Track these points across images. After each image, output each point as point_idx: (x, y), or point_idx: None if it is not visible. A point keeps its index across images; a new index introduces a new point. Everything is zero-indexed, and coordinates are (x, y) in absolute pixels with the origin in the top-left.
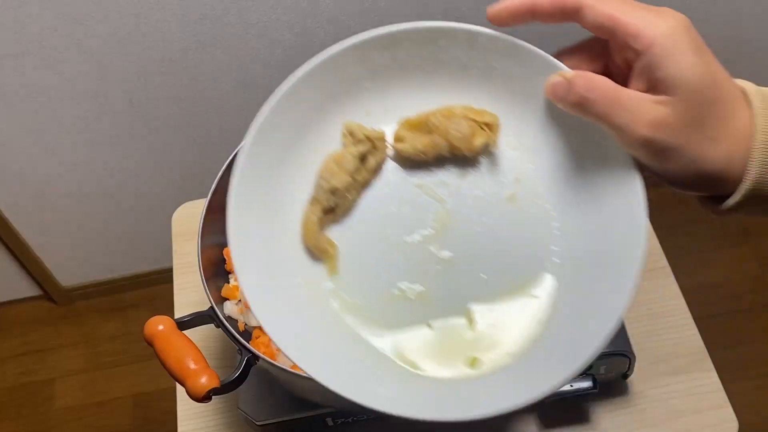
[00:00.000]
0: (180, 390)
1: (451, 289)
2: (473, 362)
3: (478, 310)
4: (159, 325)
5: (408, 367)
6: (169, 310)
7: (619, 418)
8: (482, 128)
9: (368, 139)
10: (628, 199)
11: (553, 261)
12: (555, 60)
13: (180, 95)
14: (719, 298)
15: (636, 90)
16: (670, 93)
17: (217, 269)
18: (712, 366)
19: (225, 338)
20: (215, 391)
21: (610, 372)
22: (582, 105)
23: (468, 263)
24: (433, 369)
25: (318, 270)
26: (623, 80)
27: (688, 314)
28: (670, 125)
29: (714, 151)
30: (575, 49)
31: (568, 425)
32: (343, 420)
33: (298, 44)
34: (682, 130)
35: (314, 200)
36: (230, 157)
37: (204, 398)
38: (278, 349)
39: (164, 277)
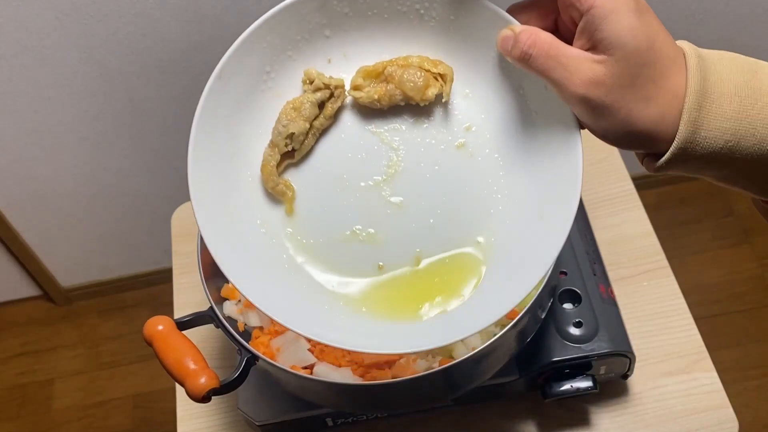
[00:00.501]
0: (179, 390)
1: (400, 233)
2: (417, 308)
3: (425, 254)
4: (158, 326)
5: (353, 308)
6: (168, 310)
7: (619, 418)
8: (436, 78)
9: (327, 86)
10: (569, 152)
11: (497, 208)
12: (507, 14)
13: (180, 95)
14: (719, 299)
15: (578, 48)
16: (607, 53)
17: (216, 269)
18: (712, 366)
19: (224, 338)
20: (215, 392)
21: (610, 372)
22: (524, 59)
23: (417, 208)
24: (377, 311)
25: (276, 213)
26: (570, 38)
27: (689, 314)
28: (604, 84)
29: (647, 111)
30: (528, 5)
31: (569, 425)
32: (342, 420)
33: None
34: (616, 90)
35: (273, 144)
36: None
37: (203, 398)
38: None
39: (164, 278)
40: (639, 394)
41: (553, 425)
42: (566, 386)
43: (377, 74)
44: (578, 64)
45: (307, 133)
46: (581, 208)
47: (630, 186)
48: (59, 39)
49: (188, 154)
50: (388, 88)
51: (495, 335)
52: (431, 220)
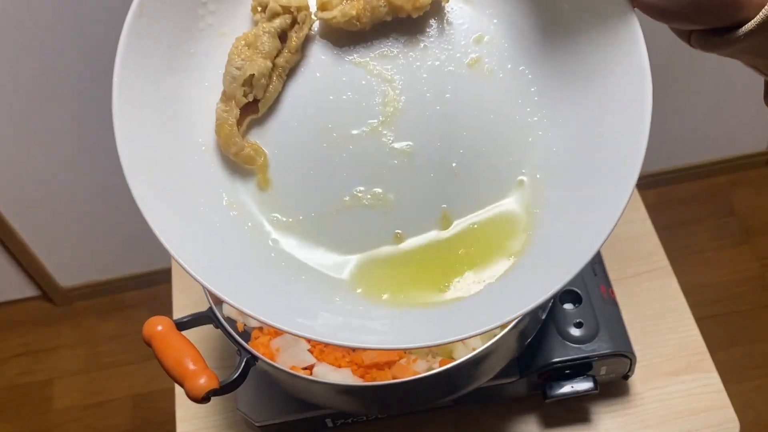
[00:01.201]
0: (179, 391)
1: (416, 187)
2: (445, 287)
3: (455, 211)
4: (158, 326)
5: (371, 296)
6: (168, 310)
7: (620, 418)
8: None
9: (287, 10)
10: (622, 38)
11: (537, 134)
12: None
13: None
14: (720, 299)
15: None
16: None
17: None
18: (713, 366)
19: (224, 339)
20: (214, 392)
21: (611, 373)
22: None
23: (432, 152)
24: (401, 296)
25: (246, 188)
26: None
27: (689, 314)
28: None
29: None
30: None
31: (569, 426)
32: (342, 421)
33: None
34: None
35: (226, 97)
36: None
37: (203, 399)
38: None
39: (163, 278)
40: (640, 395)
41: (554, 426)
42: (567, 387)
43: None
44: None
45: (270, 75)
46: None
47: None
48: (58, 39)
49: (114, 129)
50: (372, 3)
51: (495, 336)
52: (453, 164)
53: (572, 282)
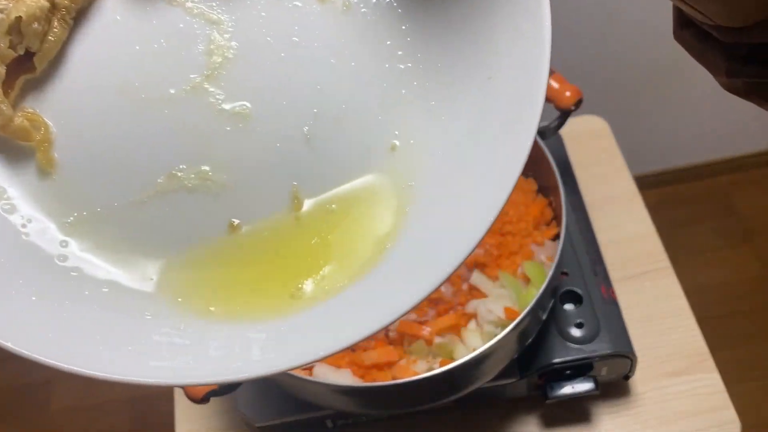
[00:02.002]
0: (178, 392)
1: (256, 161)
2: (297, 289)
3: (308, 190)
4: None
5: (194, 310)
6: None
7: (621, 419)
8: None
9: None
10: None
11: (411, 85)
12: None
13: None
14: (721, 299)
15: None
16: None
17: None
18: (714, 367)
19: None
20: (214, 393)
21: (612, 373)
22: None
23: (276, 115)
24: (236, 305)
25: (21, 172)
26: None
27: (690, 315)
28: None
29: None
30: None
31: (570, 427)
32: (343, 422)
33: None
34: None
35: None
36: None
37: (202, 400)
38: None
39: None
40: (641, 395)
41: (554, 426)
42: (567, 387)
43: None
44: None
45: (48, 19)
46: (582, 208)
47: (631, 186)
48: None
49: None
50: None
51: (496, 336)
52: (305, 128)
53: (573, 282)
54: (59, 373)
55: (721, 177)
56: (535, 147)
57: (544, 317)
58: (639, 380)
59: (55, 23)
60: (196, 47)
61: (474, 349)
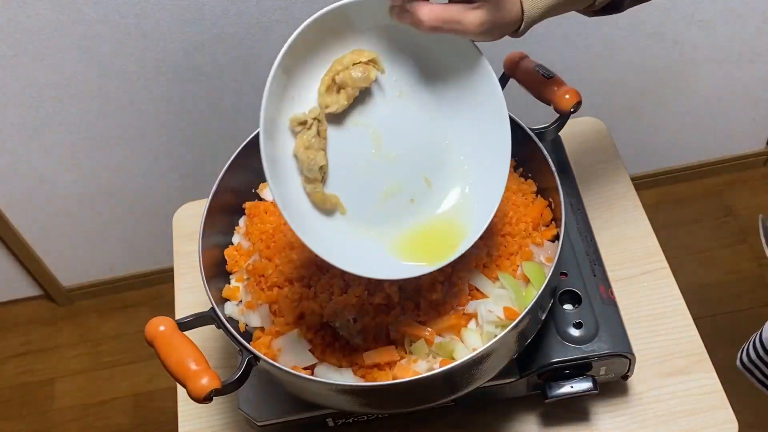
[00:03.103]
0: (181, 390)
1: (409, 172)
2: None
3: (430, 179)
4: (160, 326)
5: (395, 255)
6: (169, 309)
7: (619, 418)
8: (367, 64)
9: (313, 119)
10: (482, 76)
11: (450, 142)
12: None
13: (180, 95)
14: (719, 299)
15: (459, 4)
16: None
17: (218, 270)
18: (711, 367)
19: (226, 339)
20: (216, 392)
21: (611, 373)
22: (435, 29)
23: (406, 154)
24: (412, 256)
25: (329, 216)
26: None
27: (688, 315)
28: (490, 20)
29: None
30: None
31: (569, 426)
32: (343, 421)
33: None
34: (497, 15)
35: (311, 180)
36: (231, 158)
37: (205, 399)
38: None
39: (165, 277)
40: (639, 395)
41: (554, 426)
42: (566, 387)
43: (330, 87)
44: (467, 16)
45: (324, 156)
46: (581, 209)
47: (629, 187)
48: (59, 39)
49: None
50: (347, 91)
51: (496, 336)
52: (420, 163)
53: (572, 283)
54: (62, 371)
55: (718, 177)
56: (535, 149)
57: (543, 317)
58: (637, 380)
59: (325, 155)
60: (368, 136)
61: (474, 349)
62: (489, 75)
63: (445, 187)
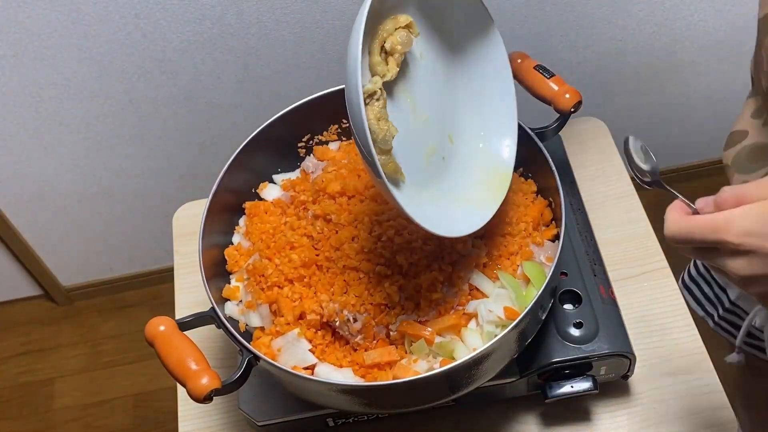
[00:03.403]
0: (181, 389)
1: (437, 132)
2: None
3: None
4: (160, 326)
5: (441, 205)
6: (169, 309)
7: (620, 418)
8: (405, 28)
9: (378, 89)
10: (489, 36)
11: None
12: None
13: (180, 95)
14: None
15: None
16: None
17: (218, 270)
18: (712, 366)
19: (226, 339)
20: (216, 392)
21: (611, 373)
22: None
23: (433, 115)
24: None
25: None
26: None
27: (688, 315)
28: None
29: None
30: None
31: (569, 426)
32: (343, 421)
33: (298, 44)
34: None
35: (385, 150)
36: (231, 158)
37: (205, 399)
38: None
39: (165, 277)
40: (639, 395)
41: (554, 425)
42: (567, 387)
43: (379, 55)
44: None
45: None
46: (581, 209)
47: (630, 187)
48: (59, 39)
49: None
50: (395, 57)
51: (496, 336)
52: (451, 121)
53: (572, 282)
54: (62, 371)
55: (719, 176)
56: (535, 148)
57: (543, 317)
58: (638, 380)
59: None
60: (408, 100)
61: (474, 349)
62: (495, 34)
63: (465, 141)
